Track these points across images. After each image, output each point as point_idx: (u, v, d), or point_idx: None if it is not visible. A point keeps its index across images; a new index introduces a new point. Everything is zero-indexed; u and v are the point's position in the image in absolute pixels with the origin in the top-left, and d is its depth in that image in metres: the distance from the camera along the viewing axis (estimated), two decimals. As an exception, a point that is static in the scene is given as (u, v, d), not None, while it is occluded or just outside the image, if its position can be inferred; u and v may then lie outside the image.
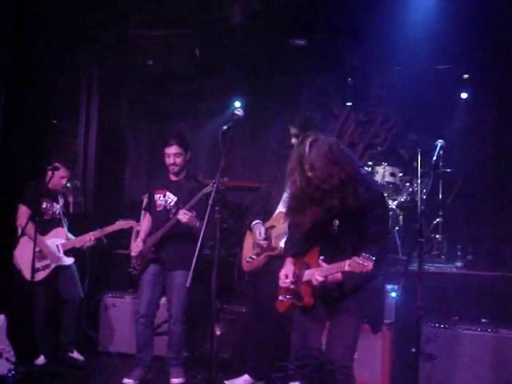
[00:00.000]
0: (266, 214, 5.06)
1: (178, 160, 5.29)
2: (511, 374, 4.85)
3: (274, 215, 5.00)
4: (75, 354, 5.77)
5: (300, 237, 3.76)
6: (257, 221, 5.09)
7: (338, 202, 3.42)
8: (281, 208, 4.90)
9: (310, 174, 3.46)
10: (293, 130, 4.94)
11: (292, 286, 3.68)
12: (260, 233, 4.96)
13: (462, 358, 5.00)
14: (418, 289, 3.55)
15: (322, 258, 3.55)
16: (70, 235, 5.89)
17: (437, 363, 5.03)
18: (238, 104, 7.78)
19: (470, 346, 5.00)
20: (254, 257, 5.08)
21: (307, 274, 3.61)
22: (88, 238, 5.74)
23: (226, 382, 5.15)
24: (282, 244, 4.73)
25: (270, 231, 4.97)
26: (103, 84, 7.41)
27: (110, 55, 7.36)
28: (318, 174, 3.42)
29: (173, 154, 5.27)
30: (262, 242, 4.95)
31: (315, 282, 3.47)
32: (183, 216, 5.03)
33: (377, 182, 3.86)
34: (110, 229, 5.75)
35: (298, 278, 3.68)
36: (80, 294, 5.82)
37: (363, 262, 3.20)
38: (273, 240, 4.95)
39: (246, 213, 5.29)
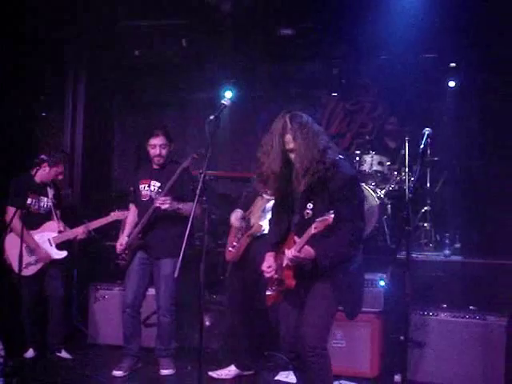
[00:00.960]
0: (249, 203, 5.17)
1: (164, 151, 5.30)
2: (499, 361, 4.88)
3: (256, 201, 5.09)
4: (63, 354, 5.74)
5: (280, 227, 3.81)
6: (237, 210, 5.19)
7: (317, 178, 3.48)
8: (259, 198, 5.01)
9: (291, 145, 3.54)
10: None
11: (276, 276, 3.71)
12: (236, 216, 5.09)
13: (450, 345, 5.03)
14: (406, 277, 3.56)
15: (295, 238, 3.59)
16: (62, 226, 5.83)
17: (425, 351, 5.06)
18: (228, 94, 7.72)
19: (459, 334, 5.03)
20: (235, 244, 5.13)
21: (285, 257, 3.62)
22: (82, 230, 5.70)
23: (210, 373, 5.15)
24: (260, 222, 4.92)
25: (248, 216, 5.06)
26: (90, 76, 7.35)
27: (96, 46, 7.30)
28: (299, 147, 3.50)
29: (158, 144, 5.27)
30: (236, 223, 5.08)
31: (290, 257, 3.48)
32: (161, 204, 5.03)
33: (350, 164, 3.84)
34: (104, 220, 5.71)
35: (279, 267, 3.70)
36: (61, 292, 5.77)
37: (324, 218, 3.29)
38: (251, 221, 5.05)
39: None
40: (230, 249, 5.17)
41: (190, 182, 5.15)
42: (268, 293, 3.85)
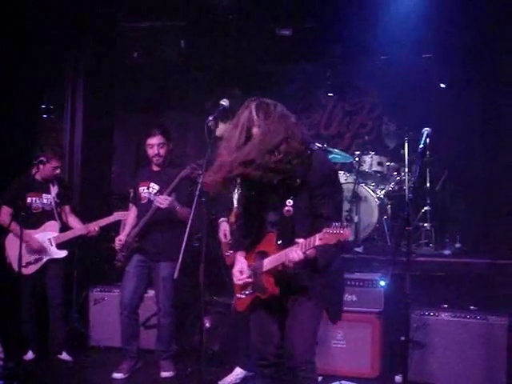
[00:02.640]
0: (228, 208, 5.05)
1: (162, 150, 5.27)
2: (500, 361, 4.87)
3: (233, 211, 4.99)
4: (64, 356, 5.73)
5: (248, 226, 3.52)
6: (222, 218, 5.10)
7: (289, 175, 3.20)
8: (235, 203, 4.91)
9: (260, 138, 3.21)
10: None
11: (250, 280, 3.42)
12: (225, 234, 5.00)
13: (451, 345, 5.01)
14: (406, 277, 3.55)
15: (279, 242, 3.30)
16: (74, 221, 5.84)
17: (426, 351, 5.04)
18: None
19: (459, 334, 5.01)
20: (231, 251, 5.09)
21: (268, 262, 3.33)
22: (95, 227, 5.66)
23: (219, 382, 5.09)
24: None
25: (232, 227, 4.92)
26: (89, 77, 7.34)
27: (96, 48, 7.29)
28: (267, 140, 3.17)
29: (156, 144, 5.24)
30: (226, 241, 5.01)
31: (296, 259, 3.11)
32: (162, 201, 5.01)
33: (328, 158, 3.64)
34: (106, 220, 5.68)
35: (255, 271, 3.41)
36: (61, 294, 5.75)
37: (338, 230, 2.94)
38: None
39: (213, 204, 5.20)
40: (226, 253, 5.15)
41: (187, 188, 5.12)
42: (238, 296, 3.53)
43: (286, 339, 3.41)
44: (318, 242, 3.01)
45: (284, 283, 3.33)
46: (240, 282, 3.45)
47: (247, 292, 3.48)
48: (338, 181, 3.45)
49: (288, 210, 3.27)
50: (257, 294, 3.42)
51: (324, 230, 2.98)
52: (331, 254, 3.27)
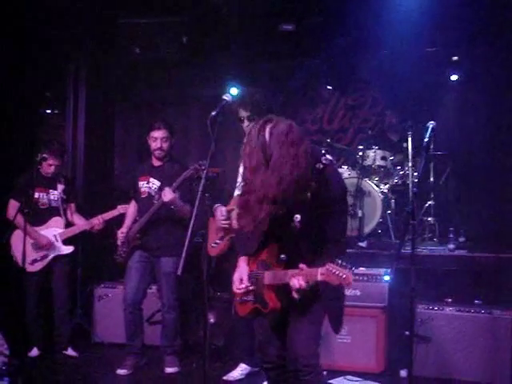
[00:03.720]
0: (227, 198, 4.97)
1: (165, 144, 5.27)
2: (505, 355, 4.86)
3: (233, 198, 4.90)
4: (69, 351, 5.76)
5: (253, 233, 3.36)
6: (217, 204, 5.03)
7: (299, 196, 3.08)
8: (237, 191, 4.81)
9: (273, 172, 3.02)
10: (243, 113, 4.64)
11: (251, 288, 3.36)
12: (221, 213, 4.87)
13: (456, 339, 5.01)
14: (411, 272, 3.53)
15: (282, 256, 3.26)
16: (78, 219, 5.84)
17: (431, 345, 5.04)
18: (234, 91, 7.69)
19: (464, 328, 5.01)
20: (218, 241, 5.05)
21: (270, 278, 3.27)
22: (100, 220, 5.68)
23: (224, 378, 5.09)
24: None
25: (230, 213, 4.85)
26: (90, 74, 7.33)
27: (97, 44, 7.28)
28: (280, 163, 3.01)
29: (160, 137, 5.24)
30: (224, 222, 4.85)
31: (297, 287, 3.06)
32: (167, 195, 4.97)
33: (340, 174, 3.51)
34: (110, 214, 5.70)
35: (256, 279, 3.34)
36: (66, 290, 5.77)
37: (341, 272, 2.86)
38: (233, 222, 4.83)
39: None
40: (213, 244, 5.13)
41: (190, 188, 5.10)
42: (240, 301, 3.45)
43: (289, 343, 3.37)
44: (319, 278, 2.96)
45: (285, 299, 3.26)
46: (239, 292, 3.39)
47: (248, 298, 3.40)
48: (346, 200, 3.38)
49: (296, 226, 3.18)
50: (258, 306, 3.35)
51: (327, 266, 2.91)
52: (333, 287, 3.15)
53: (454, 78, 7.63)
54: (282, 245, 3.29)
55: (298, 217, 3.16)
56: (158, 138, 5.24)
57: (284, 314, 3.37)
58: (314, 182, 3.11)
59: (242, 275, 3.39)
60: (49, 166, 5.66)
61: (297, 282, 3.05)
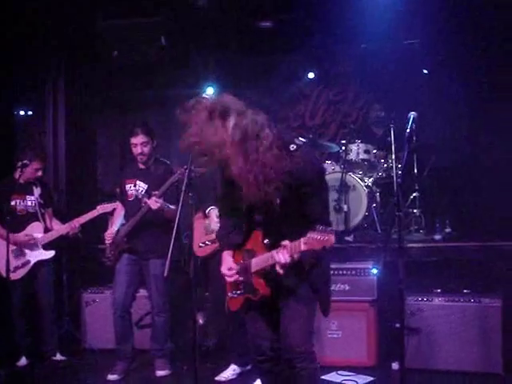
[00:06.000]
0: (214, 198, 4.96)
1: (146, 149, 5.24)
2: (496, 343, 4.88)
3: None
4: (58, 357, 5.72)
5: (234, 224, 3.45)
6: (212, 207, 5.08)
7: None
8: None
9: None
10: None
11: (241, 279, 3.37)
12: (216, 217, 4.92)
13: (446, 329, 5.03)
14: (398, 264, 3.52)
15: (266, 241, 3.26)
16: (56, 224, 5.80)
17: (422, 337, 5.05)
18: (210, 90, 7.68)
19: (454, 318, 5.02)
20: (207, 243, 5.07)
21: (256, 263, 3.28)
22: (66, 228, 5.62)
23: (216, 378, 5.09)
24: None
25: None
26: (69, 78, 7.27)
27: (75, 48, 7.21)
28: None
29: (139, 143, 5.22)
30: (214, 225, 4.95)
31: (283, 262, 3.05)
32: (154, 204, 4.97)
33: (315, 154, 3.45)
34: (90, 215, 5.62)
35: (244, 269, 3.35)
36: (52, 296, 5.72)
37: (322, 236, 2.87)
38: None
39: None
40: (201, 244, 5.11)
41: (176, 193, 5.05)
42: (230, 295, 3.48)
43: (282, 332, 3.37)
44: (303, 247, 2.94)
45: (274, 284, 3.27)
46: (231, 279, 3.39)
47: (238, 292, 3.43)
48: (325, 179, 3.35)
49: (274, 209, 3.17)
50: (250, 297, 3.36)
51: (308, 235, 2.90)
52: (317, 257, 3.21)
53: (425, 71, 7.65)
54: (265, 230, 3.28)
55: (277, 199, 3.14)
56: (137, 144, 5.22)
57: (275, 304, 3.37)
58: (288, 163, 3.09)
59: (229, 265, 3.40)
60: (34, 171, 5.61)
61: (282, 256, 3.05)
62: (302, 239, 2.93)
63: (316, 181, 3.20)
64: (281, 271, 3.10)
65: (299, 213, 3.18)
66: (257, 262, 3.28)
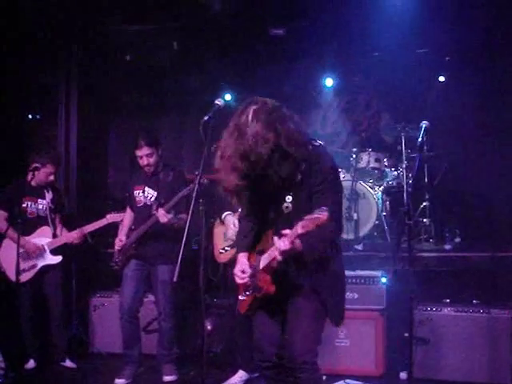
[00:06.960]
0: (225, 203, 4.92)
1: (152, 160, 5.23)
2: (505, 354, 4.85)
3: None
4: (68, 363, 5.70)
5: (253, 228, 3.48)
6: (227, 212, 5.08)
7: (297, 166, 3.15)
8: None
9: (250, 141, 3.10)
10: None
11: (250, 281, 3.37)
12: (234, 225, 4.90)
13: (455, 340, 5.00)
14: (408, 273, 3.52)
15: (275, 238, 3.18)
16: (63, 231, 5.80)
17: (430, 346, 5.02)
18: (228, 97, 7.67)
19: (463, 328, 5.00)
20: (227, 248, 5.06)
21: (263, 259, 3.28)
22: (76, 235, 5.64)
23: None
24: None
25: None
26: (82, 82, 7.30)
27: (87, 53, 7.26)
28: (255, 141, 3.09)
29: (144, 155, 5.20)
30: (232, 230, 4.94)
31: (283, 249, 3.03)
32: (162, 217, 4.98)
33: (331, 155, 3.47)
34: (99, 223, 5.64)
35: (255, 271, 3.35)
36: (61, 300, 5.73)
37: (315, 216, 2.87)
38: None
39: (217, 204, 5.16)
40: (221, 250, 5.11)
41: (186, 205, 5.03)
42: (240, 298, 3.48)
43: (286, 340, 3.36)
44: (300, 230, 2.94)
45: (280, 282, 3.27)
46: (242, 281, 3.39)
47: (247, 293, 3.42)
48: (339, 178, 3.39)
49: (287, 207, 3.22)
50: (255, 295, 3.36)
51: (304, 219, 2.92)
52: (319, 252, 3.20)
53: (441, 79, 7.65)
54: (276, 228, 3.26)
55: (289, 198, 3.21)
56: (142, 156, 5.21)
57: (282, 308, 3.37)
58: (304, 162, 3.17)
59: (243, 267, 3.40)
60: (46, 175, 5.62)
61: (282, 243, 3.04)
62: (300, 223, 2.94)
63: (330, 179, 3.23)
64: (279, 257, 3.09)
65: (311, 212, 3.14)
66: (264, 258, 3.29)
